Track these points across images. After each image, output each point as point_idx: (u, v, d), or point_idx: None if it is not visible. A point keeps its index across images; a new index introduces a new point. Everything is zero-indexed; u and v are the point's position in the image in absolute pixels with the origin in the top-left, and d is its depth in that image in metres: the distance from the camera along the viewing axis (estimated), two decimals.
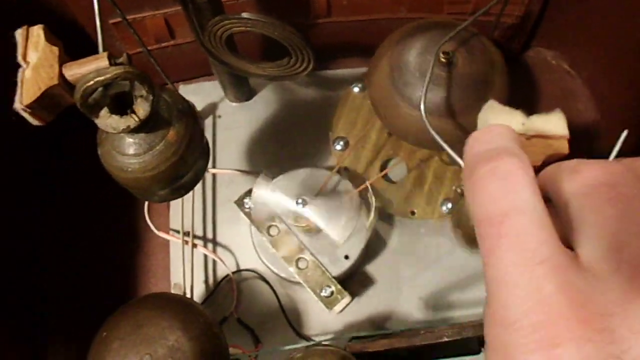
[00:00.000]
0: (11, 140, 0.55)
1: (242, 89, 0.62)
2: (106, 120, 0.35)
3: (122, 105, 0.36)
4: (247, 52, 0.60)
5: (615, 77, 0.65)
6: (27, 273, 0.60)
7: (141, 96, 0.36)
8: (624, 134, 0.40)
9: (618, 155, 0.39)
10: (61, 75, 0.34)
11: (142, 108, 0.36)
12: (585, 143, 0.67)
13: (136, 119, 0.36)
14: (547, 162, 0.38)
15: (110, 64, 0.34)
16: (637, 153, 0.58)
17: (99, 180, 0.41)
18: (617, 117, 0.65)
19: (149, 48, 0.61)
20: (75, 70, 0.34)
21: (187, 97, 0.60)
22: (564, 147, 0.37)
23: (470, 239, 0.46)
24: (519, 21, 0.64)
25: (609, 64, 0.65)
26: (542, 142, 0.37)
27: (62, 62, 0.34)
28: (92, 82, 0.33)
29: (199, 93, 0.65)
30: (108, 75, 0.33)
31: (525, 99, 0.72)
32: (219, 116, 0.64)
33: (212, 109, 0.64)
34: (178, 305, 0.43)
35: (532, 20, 0.65)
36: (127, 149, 0.38)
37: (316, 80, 0.65)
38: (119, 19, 0.56)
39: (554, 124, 0.38)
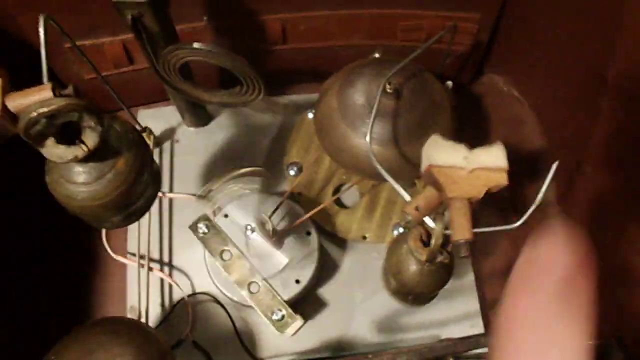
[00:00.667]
0: None
1: (199, 115, 0.63)
2: (52, 150, 0.36)
3: (70, 134, 0.37)
4: (203, 78, 0.61)
5: (560, 104, 0.67)
6: None
7: (89, 127, 0.36)
8: (554, 166, 0.43)
9: (550, 185, 0.42)
10: (4, 106, 0.34)
11: (90, 138, 0.36)
12: (530, 166, 0.70)
13: (84, 149, 0.36)
14: (488, 194, 0.40)
15: (55, 95, 0.34)
16: (579, 173, 0.60)
17: (55, 203, 0.41)
18: (562, 141, 0.68)
19: (108, 73, 0.62)
20: (18, 102, 0.35)
21: (146, 122, 0.62)
22: (504, 179, 0.40)
23: (398, 292, 0.47)
24: (469, 50, 0.66)
25: (555, 91, 0.68)
26: (483, 174, 0.40)
27: (4, 93, 0.35)
28: (34, 114, 0.33)
29: (158, 117, 0.66)
30: (52, 107, 0.33)
31: (478, 123, 0.74)
32: (177, 140, 0.65)
33: (170, 133, 0.65)
34: (132, 330, 0.43)
35: (482, 49, 0.68)
36: (76, 178, 0.39)
37: (271, 105, 0.66)
38: (79, 42, 0.57)
39: (494, 157, 0.40)
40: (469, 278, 0.60)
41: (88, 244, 0.63)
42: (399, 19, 0.61)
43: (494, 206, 0.64)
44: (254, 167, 0.55)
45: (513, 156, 0.73)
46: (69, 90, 0.35)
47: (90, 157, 0.37)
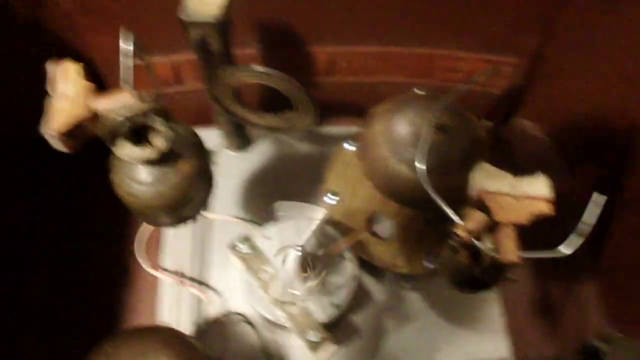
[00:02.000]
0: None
1: (241, 139, 0.65)
2: (125, 150, 0.37)
3: (139, 135, 0.38)
4: (250, 103, 0.64)
5: (591, 148, 0.69)
6: (13, 300, 0.60)
7: (160, 130, 0.38)
8: (600, 199, 0.44)
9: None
10: (93, 108, 0.36)
11: (160, 142, 0.38)
12: (564, 210, 0.71)
13: (155, 151, 0.38)
14: (533, 221, 0.41)
15: (138, 98, 0.36)
16: (610, 213, 0.62)
17: (89, 215, 0.43)
18: (589, 180, 0.70)
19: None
20: (103, 104, 0.37)
21: None
22: (549, 208, 0.41)
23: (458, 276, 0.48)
24: (503, 92, 0.69)
25: (587, 135, 0.70)
26: (529, 202, 0.41)
27: (94, 98, 0.37)
28: (120, 116, 0.35)
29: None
30: (135, 110, 0.35)
31: (504, 166, 0.76)
32: (217, 164, 0.66)
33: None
34: (181, 342, 0.42)
35: (515, 93, 0.70)
36: (141, 178, 0.40)
37: (310, 135, 0.68)
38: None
39: (539, 187, 0.42)
40: (497, 313, 0.61)
41: (120, 257, 0.63)
42: (437, 59, 0.64)
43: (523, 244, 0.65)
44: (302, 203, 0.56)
45: None
46: (151, 95, 0.37)
47: (159, 159, 0.39)
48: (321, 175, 0.63)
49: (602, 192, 0.62)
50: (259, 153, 0.67)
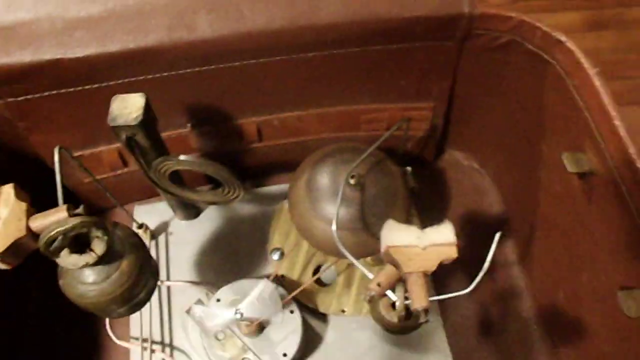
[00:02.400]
0: None
1: (189, 210, 0.70)
2: (67, 260, 0.43)
3: (81, 242, 0.44)
4: (192, 178, 0.69)
5: (514, 174, 0.75)
6: None
7: (97, 237, 0.43)
8: (497, 236, 0.49)
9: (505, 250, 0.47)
10: (28, 227, 0.41)
11: (98, 247, 0.43)
12: (492, 231, 0.77)
13: (94, 256, 0.43)
14: (441, 266, 0.46)
15: (70, 215, 0.41)
16: (533, 236, 0.67)
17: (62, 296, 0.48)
18: (518, 208, 0.76)
19: (105, 176, 0.69)
20: (39, 222, 0.42)
21: (141, 217, 0.69)
22: (454, 252, 0.46)
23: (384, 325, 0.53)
24: (427, 133, 0.75)
25: (508, 162, 0.76)
26: (435, 249, 0.46)
27: (28, 215, 0.42)
28: (54, 232, 0.40)
29: (152, 212, 0.73)
30: (68, 226, 0.40)
31: (444, 196, 0.82)
32: (171, 233, 0.72)
33: (164, 226, 0.72)
34: None
35: (439, 131, 0.76)
36: (86, 279, 0.45)
37: (253, 196, 0.74)
38: (79, 152, 0.65)
39: (443, 234, 0.47)
40: (442, 339, 0.66)
41: (92, 331, 0.69)
42: (361, 113, 0.70)
43: (464, 268, 0.70)
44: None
45: (477, 223, 0.81)
46: (81, 209, 0.42)
47: (98, 262, 0.44)
48: (266, 234, 0.69)
49: (526, 217, 0.69)
50: (209, 220, 0.72)
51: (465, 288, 0.46)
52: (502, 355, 0.69)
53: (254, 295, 0.58)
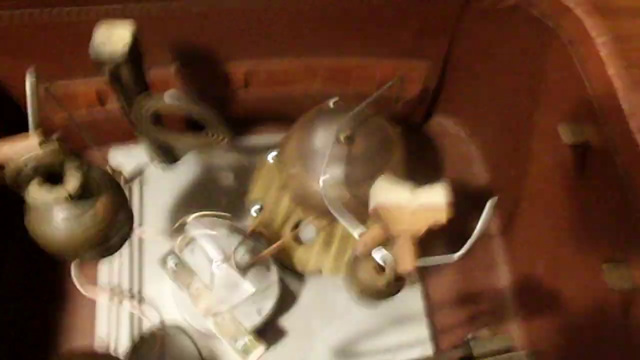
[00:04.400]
0: None
1: (168, 155, 0.67)
2: (35, 194, 0.40)
3: (51, 178, 0.41)
4: (173, 122, 0.66)
5: (501, 145, 0.74)
6: None
7: (70, 171, 0.41)
8: (489, 203, 0.48)
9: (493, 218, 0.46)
10: None
11: (71, 182, 0.40)
12: (478, 201, 0.76)
13: (66, 192, 0.40)
14: (429, 230, 0.44)
15: (40, 144, 0.38)
16: (518, 208, 0.66)
17: (25, 241, 0.45)
18: (504, 178, 0.75)
19: (80, 113, 0.66)
20: (6, 149, 0.38)
21: (116, 160, 0.66)
22: (443, 218, 0.44)
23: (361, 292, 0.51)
24: (419, 95, 0.73)
25: (496, 133, 0.75)
26: (424, 213, 0.44)
27: None
28: (22, 160, 0.37)
29: (128, 156, 0.70)
30: (39, 155, 0.37)
31: (429, 162, 0.80)
32: (146, 179, 0.69)
33: (139, 171, 0.69)
34: None
35: (430, 95, 0.74)
36: (55, 219, 0.42)
37: (236, 146, 0.71)
38: (49, 84, 0.61)
39: (435, 197, 0.45)
40: (419, 306, 0.65)
41: (56, 278, 0.66)
42: (353, 68, 0.67)
43: (445, 238, 0.69)
44: (220, 213, 0.59)
45: (462, 192, 0.80)
46: (54, 138, 0.39)
47: (70, 200, 0.41)
48: (247, 186, 0.66)
49: (512, 189, 0.68)
50: (187, 167, 0.69)
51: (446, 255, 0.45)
52: (475, 325, 0.69)
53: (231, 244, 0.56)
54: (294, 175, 0.55)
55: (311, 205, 0.56)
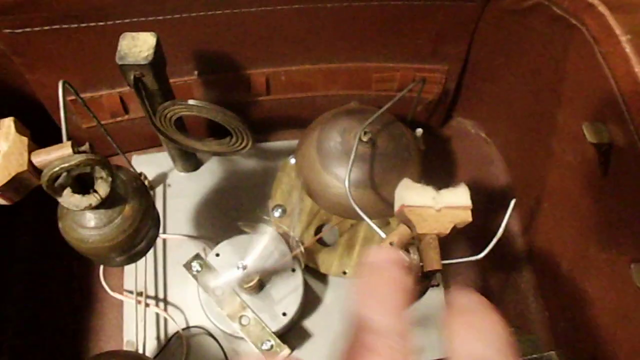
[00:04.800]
0: None
1: (190, 161, 0.68)
2: (69, 199, 0.40)
3: (83, 184, 0.41)
4: (195, 128, 0.67)
5: (521, 145, 0.74)
6: None
7: (101, 177, 0.41)
8: (512, 203, 0.48)
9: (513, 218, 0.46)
10: (30, 162, 0.39)
11: (102, 188, 0.41)
12: (498, 201, 0.76)
13: (97, 197, 0.41)
14: (455, 229, 0.45)
15: (74, 152, 0.39)
16: (539, 208, 0.66)
17: (57, 245, 0.46)
18: (524, 179, 0.74)
19: (105, 122, 0.67)
20: (42, 157, 0.39)
21: (140, 167, 0.67)
22: (468, 216, 0.44)
23: None
24: (439, 97, 0.73)
25: (516, 134, 0.75)
26: (450, 212, 0.44)
27: (30, 150, 0.40)
28: (57, 169, 0.38)
29: (151, 163, 0.70)
30: (72, 162, 0.38)
31: (449, 163, 0.80)
32: (169, 185, 0.69)
33: (162, 178, 0.70)
34: None
35: (450, 97, 0.74)
36: (87, 223, 0.43)
37: (257, 151, 0.71)
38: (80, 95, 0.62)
39: (459, 197, 0.45)
40: (441, 306, 0.65)
41: (86, 282, 0.67)
42: (373, 72, 0.67)
43: (467, 238, 0.69)
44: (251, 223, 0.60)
45: (482, 192, 0.79)
46: (86, 147, 0.40)
47: (101, 205, 0.42)
48: (269, 190, 0.67)
49: (532, 189, 0.67)
50: (209, 172, 0.70)
51: (467, 256, 0.45)
52: None
53: (259, 246, 0.56)
54: (314, 175, 0.56)
55: (331, 205, 0.56)
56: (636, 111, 0.47)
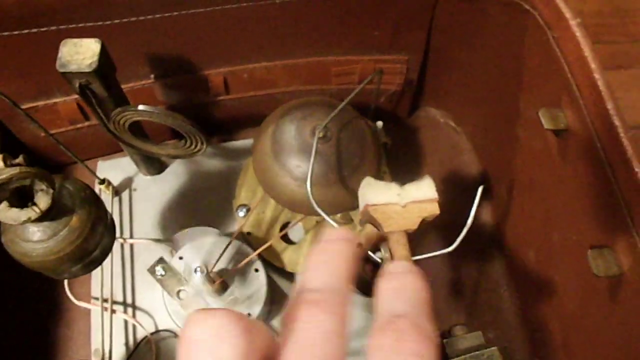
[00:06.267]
0: None
1: (154, 164, 0.67)
2: (6, 214, 0.40)
3: (24, 196, 0.41)
4: (159, 132, 0.66)
5: (490, 134, 0.73)
6: None
7: (41, 190, 0.41)
8: (479, 190, 0.47)
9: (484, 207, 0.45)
10: None
11: (42, 201, 0.41)
12: (469, 191, 0.75)
13: (37, 210, 0.40)
14: (424, 223, 0.44)
15: (6, 165, 0.38)
16: (510, 196, 0.65)
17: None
18: (494, 167, 0.74)
19: (63, 130, 0.66)
20: None
21: (105, 172, 0.66)
22: (436, 209, 0.43)
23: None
24: (402, 88, 0.72)
25: (484, 122, 0.74)
26: (416, 206, 0.43)
27: None
28: None
29: (116, 168, 0.70)
30: (3, 177, 0.37)
31: (419, 154, 0.79)
32: (135, 189, 0.69)
33: (128, 182, 0.69)
34: None
35: (414, 87, 0.74)
36: (31, 237, 0.43)
37: (221, 151, 0.71)
38: (32, 104, 0.62)
39: (424, 190, 0.44)
40: None
41: (51, 292, 0.66)
42: (332, 65, 0.67)
43: (440, 229, 0.69)
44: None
45: (454, 183, 0.79)
46: (20, 159, 0.39)
47: (43, 217, 0.41)
48: (233, 190, 0.66)
49: (502, 177, 0.66)
50: (174, 175, 0.69)
51: (440, 248, 0.44)
52: (472, 316, 0.68)
53: (222, 248, 0.56)
54: (269, 172, 0.55)
55: (288, 203, 0.55)
56: (587, 95, 0.47)
